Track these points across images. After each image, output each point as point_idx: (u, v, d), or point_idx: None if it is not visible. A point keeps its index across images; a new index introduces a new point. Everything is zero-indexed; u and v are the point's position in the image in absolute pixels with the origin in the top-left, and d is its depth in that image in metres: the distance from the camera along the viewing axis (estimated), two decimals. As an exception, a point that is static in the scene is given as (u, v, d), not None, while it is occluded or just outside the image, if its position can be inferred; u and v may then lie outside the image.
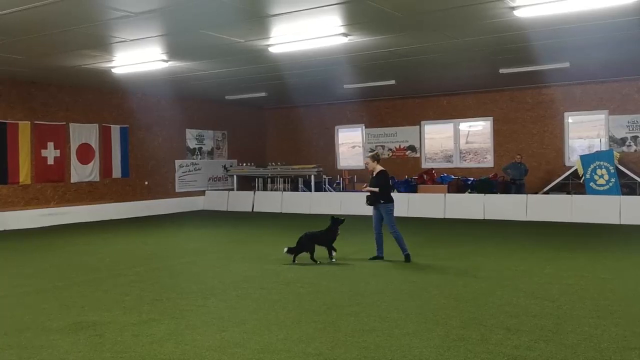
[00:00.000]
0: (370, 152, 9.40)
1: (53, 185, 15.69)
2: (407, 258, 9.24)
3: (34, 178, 15.25)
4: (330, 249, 9.37)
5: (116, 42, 10.55)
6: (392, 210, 9.41)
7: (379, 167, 9.51)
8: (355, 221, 15.80)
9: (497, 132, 18.46)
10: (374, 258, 9.49)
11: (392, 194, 9.54)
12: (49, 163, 15.57)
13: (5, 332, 5.59)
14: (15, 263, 9.80)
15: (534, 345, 5.01)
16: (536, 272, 8.32)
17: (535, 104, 17.78)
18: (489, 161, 18.67)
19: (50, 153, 15.61)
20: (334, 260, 9.25)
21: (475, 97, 18.65)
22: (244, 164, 21.17)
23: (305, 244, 9.24)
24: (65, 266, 9.34)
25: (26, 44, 10.49)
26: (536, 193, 16.35)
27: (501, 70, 14.22)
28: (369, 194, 9.49)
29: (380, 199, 9.32)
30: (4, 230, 14.20)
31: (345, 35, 10.18)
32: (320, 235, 9.45)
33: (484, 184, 17.05)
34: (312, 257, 9.20)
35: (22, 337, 5.45)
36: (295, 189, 19.72)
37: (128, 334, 5.50)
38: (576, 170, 15.94)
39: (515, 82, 16.74)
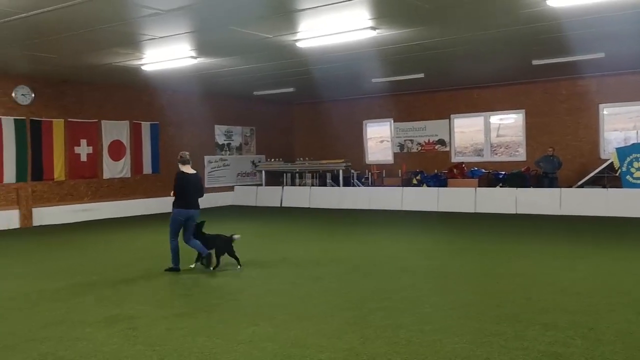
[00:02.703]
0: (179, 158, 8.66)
1: (86, 181, 15.97)
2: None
3: (68, 174, 15.55)
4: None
5: (146, 40, 10.66)
6: (175, 217, 8.40)
7: (185, 169, 8.57)
8: (384, 216, 15.77)
9: (529, 124, 18.12)
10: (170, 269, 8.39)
11: (185, 200, 8.43)
12: (82, 160, 15.85)
13: (42, 325, 5.71)
14: (50, 257, 10.01)
15: (571, 341, 4.89)
16: (571, 268, 8.15)
17: (569, 96, 17.40)
18: (521, 154, 18.35)
19: (83, 150, 15.89)
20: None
21: (506, 90, 18.34)
22: (273, 160, 21.25)
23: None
24: (98, 261, 9.50)
25: (59, 43, 10.67)
26: (570, 187, 16.02)
27: (534, 62, 13.94)
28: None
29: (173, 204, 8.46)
30: (40, 225, 14.52)
31: (373, 28, 10.09)
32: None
33: (516, 177, 16.78)
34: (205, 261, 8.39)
35: (58, 329, 5.55)
36: (323, 184, 19.71)
37: (161, 327, 5.56)
38: (612, 163, 15.56)
39: (548, 74, 16.40)
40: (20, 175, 14.46)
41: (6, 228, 13.99)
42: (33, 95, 14.73)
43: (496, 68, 15.16)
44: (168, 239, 8.41)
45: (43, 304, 6.69)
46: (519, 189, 15.90)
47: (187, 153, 8.69)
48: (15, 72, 13.95)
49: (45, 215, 14.81)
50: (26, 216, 14.45)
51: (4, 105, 14.24)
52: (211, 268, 8.33)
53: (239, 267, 8.39)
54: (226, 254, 8.41)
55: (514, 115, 18.64)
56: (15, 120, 14.38)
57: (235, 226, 14.12)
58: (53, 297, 7.01)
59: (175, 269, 8.34)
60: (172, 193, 8.48)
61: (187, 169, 8.58)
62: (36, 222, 14.60)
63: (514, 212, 15.43)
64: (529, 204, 15.40)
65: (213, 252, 8.44)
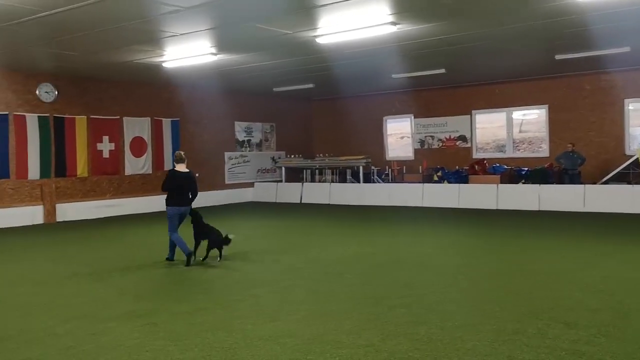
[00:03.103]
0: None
1: (108, 177, 16.15)
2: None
3: (91, 171, 15.73)
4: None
5: (167, 37, 10.72)
6: (169, 214, 8.83)
7: (179, 168, 8.95)
8: (405, 212, 15.69)
9: (552, 120, 17.86)
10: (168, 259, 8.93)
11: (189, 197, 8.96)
12: (104, 156, 16.03)
13: (65, 320, 5.78)
14: (74, 252, 10.15)
15: (594, 340, 4.81)
16: (594, 265, 8.03)
17: (593, 91, 17.10)
18: (544, 150, 18.10)
19: (106, 146, 16.06)
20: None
21: (529, 85, 18.09)
22: (292, 156, 21.26)
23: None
24: (120, 256, 9.61)
25: (81, 41, 10.78)
26: (594, 183, 15.76)
27: (557, 57, 13.73)
28: None
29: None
30: (63, 221, 14.73)
31: (394, 24, 10.01)
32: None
33: (539, 173, 16.55)
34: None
35: (81, 324, 5.62)
36: (343, 180, 19.67)
37: (181, 322, 5.59)
38: (637, 159, 15.27)
39: (571, 68, 16.13)
40: (44, 172, 14.68)
41: (30, 223, 14.22)
42: (56, 92, 14.93)
43: (518, 63, 14.96)
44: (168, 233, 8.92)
45: (65, 298, 6.78)
46: (542, 186, 15.70)
47: (182, 152, 9.11)
48: (39, 70, 14.16)
49: (69, 211, 15.02)
50: (50, 212, 14.67)
51: (29, 102, 14.45)
52: (201, 259, 8.72)
53: (218, 259, 8.70)
54: (216, 248, 8.72)
55: (536, 111, 18.39)
56: (39, 117, 14.60)
57: (255, 222, 14.19)
58: (76, 291, 7.10)
59: (169, 258, 8.89)
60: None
61: (181, 168, 8.90)
62: (60, 217, 14.82)
63: (537, 209, 15.23)
64: (552, 200, 15.20)
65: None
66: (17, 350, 4.90)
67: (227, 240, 8.80)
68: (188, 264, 8.51)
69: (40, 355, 4.76)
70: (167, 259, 8.92)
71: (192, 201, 9.03)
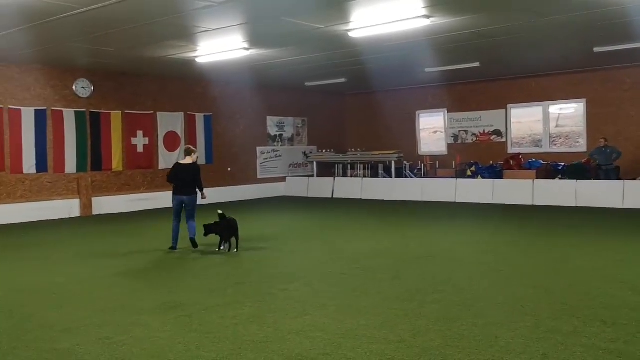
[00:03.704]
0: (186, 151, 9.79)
1: (142, 171, 16.41)
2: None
3: (126, 165, 16.01)
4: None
5: (200, 32, 10.81)
6: (173, 202, 9.60)
7: (184, 160, 9.69)
8: (437, 208, 15.53)
9: (590, 114, 17.42)
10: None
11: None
12: (138, 150, 16.28)
13: (101, 310, 5.90)
14: (109, 245, 10.34)
15: (633, 339, 4.68)
16: (634, 263, 7.81)
17: (634, 84, 16.60)
18: (581, 145, 17.67)
19: (140, 141, 16.31)
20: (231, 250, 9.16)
21: (566, 78, 17.66)
22: (324, 151, 21.24)
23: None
24: (154, 249, 9.74)
25: (116, 37, 10.95)
26: (634, 179, 15.32)
27: (596, 49, 13.37)
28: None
29: None
30: (99, 214, 15.04)
31: (427, 17, 9.88)
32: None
33: (576, 169, 16.17)
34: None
35: (116, 315, 5.72)
36: (375, 175, 19.57)
37: (214, 315, 5.64)
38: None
39: (611, 61, 15.69)
40: (80, 166, 15.00)
41: (68, 216, 14.55)
42: (92, 88, 15.21)
43: (555, 56, 14.62)
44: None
45: (101, 290, 6.91)
46: (579, 181, 15.34)
47: (190, 147, 9.86)
48: (76, 65, 14.45)
49: (104, 204, 15.32)
50: (86, 205, 14.98)
51: (66, 98, 14.77)
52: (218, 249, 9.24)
53: (235, 250, 9.10)
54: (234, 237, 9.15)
55: (574, 105, 17.96)
56: (75, 112, 14.90)
57: (286, 217, 14.24)
58: (111, 284, 7.24)
59: (172, 248, 9.36)
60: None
61: (186, 160, 9.58)
62: (96, 211, 15.12)
63: (574, 205, 14.91)
64: (589, 196, 14.84)
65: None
66: (55, 340, 5.01)
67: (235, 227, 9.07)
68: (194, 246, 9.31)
69: (77, 345, 4.86)
70: (170, 248, 9.40)
71: (196, 192, 9.53)
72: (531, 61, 15.36)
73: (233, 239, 9.16)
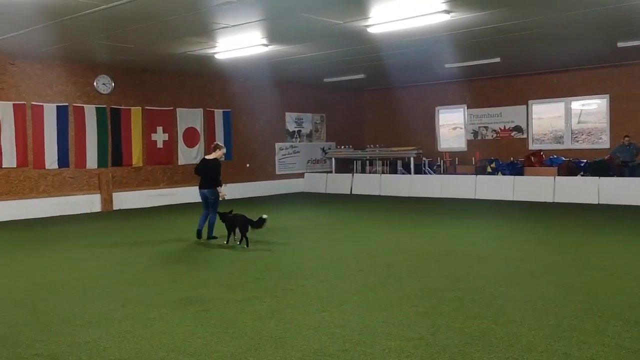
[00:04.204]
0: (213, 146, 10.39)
1: (162, 167, 16.54)
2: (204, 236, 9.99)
3: (145, 160, 16.14)
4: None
5: (219, 28, 10.83)
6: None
7: (209, 156, 10.36)
8: (457, 204, 15.42)
9: (614, 110, 17.14)
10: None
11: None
12: (158, 146, 16.40)
13: (122, 305, 5.95)
14: (130, 240, 10.44)
15: (658, 339, 4.60)
16: (658, 261, 7.67)
17: (658, 80, 16.32)
18: (604, 142, 17.41)
19: (160, 137, 16.43)
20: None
21: (588, 74, 17.40)
22: (343, 147, 21.21)
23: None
24: (173, 244, 9.82)
25: (137, 34, 11.03)
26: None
27: (619, 44, 13.13)
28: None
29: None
30: (120, 209, 15.19)
31: (447, 12, 9.79)
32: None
33: (598, 166, 15.92)
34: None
35: (137, 309, 5.77)
36: (394, 171, 19.49)
37: (232, 310, 5.66)
38: None
39: (635, 56, 15.39)
40: (101, 161, 15.16)
41: (89, 211, 14.73)
42: (113, 84, 15.35)
43: (578, 51, 14.40)
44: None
45: (122, 284, 6.98)
46: (602, 178, 15.11)
47: (217, 143, 10.44)
48: (97, 62, 14.59)
49: (125, 199, 15.47)
50: (107, 200, 15.14)
51: (87, 94, 14.93)
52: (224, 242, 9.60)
53: (238, 243, 9.31)
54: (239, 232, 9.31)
55: (597, 101, 17.69)
56: (96, 108, 15.06)
57: (305, 213, 14.25)
58: (132, 278, 7.30)
59: (197, 235, 9.96)
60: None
61: (211, 156, 10.21)
62: (116, 206, 15.28)
63: (596, 202, 14.69)
64: (612, 193, 14.62)
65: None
66: (76, 333, 5.07)
67: (253, 223, 9.22)
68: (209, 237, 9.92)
69: (98, 338, 4.92)
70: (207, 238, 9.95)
71: (213, 186, 9.93)
72: (553, 56, 15.16)
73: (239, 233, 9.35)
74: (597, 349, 4.40)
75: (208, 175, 9.95)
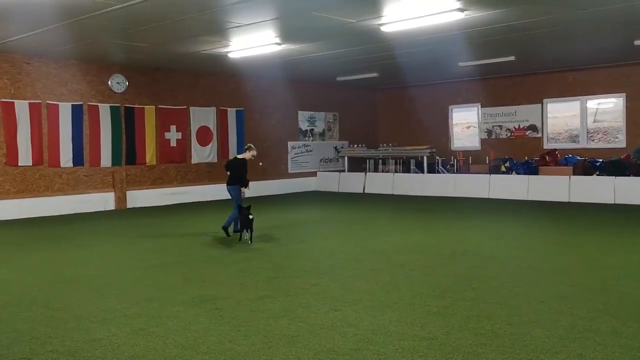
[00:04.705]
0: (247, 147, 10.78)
1: (175, 166, 16.61)
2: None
3: (159, 159, 16.23)
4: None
5: (232, 27, 10.86)
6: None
7: (239, 155, 10.90)
8: (470, 204, 15.33)
9: (630, 109, 16.94)
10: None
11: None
12: (171, 145, 16.48)
13: (136, 302, 5.99)
14: (144, 238, 10.49)
15: (675, 341, 4.53)
16: (676, 262, 7.56)
17: (676, 78, 16.10)
18: (620, 141, 17.22)
19: (173, 135, 16.51)
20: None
21: (604, 72, 17.21)
22: (355, 145, 21.16)
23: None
24: (187, 242, 9.86)
25: (151, 33, 11.09)
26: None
27: (636, 42, 12.98)
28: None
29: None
30: (133, 208, 15.28)
31: (461, 10, 9.73)
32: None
33: (614, 165, 15.75)
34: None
35: (150, 307, 5.80)
36: (407, 170, 19.42)
37: (245, 308, 5.68)
38: None
39: (652, 54, 15.24)
40: (115, 160, 15.26)
41: (103, 209, 14.84)
42: (127, 83, 15.45)
43: (593, 49, 14.24)
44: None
45: (136, 282, 7.02)
46: (618, 178, 14.95)
47: (249, 144, 10.74)
48: (111, 61, 14.69)
49: (138, 198, 15.57)
50: (121, 198, 15.25)
51: (101, 93, 15.04)
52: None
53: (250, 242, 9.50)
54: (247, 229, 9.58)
55: (613, 100, 17.50)
56: (111, 107, 15.16)
57: (317, 212, 14.24)
58: (145, 276, 7.34)
59: (227, 230, 10.17)
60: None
61: (242, 155, 10.69)
62: (130, 204, 15.38)
63: (612, 202, 14.54)
64: (628, 193, 14.45)
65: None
66: (91, 330, 5.11)
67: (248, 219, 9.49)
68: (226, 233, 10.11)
69: (112, 335, 4.95)
70: (234, 231, 10.22)
71: (240, 184, 10.34)
72: (568, 54, 15.02)
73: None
74: (613, 350, 4.35)
75: (234, 174, 10.41)
